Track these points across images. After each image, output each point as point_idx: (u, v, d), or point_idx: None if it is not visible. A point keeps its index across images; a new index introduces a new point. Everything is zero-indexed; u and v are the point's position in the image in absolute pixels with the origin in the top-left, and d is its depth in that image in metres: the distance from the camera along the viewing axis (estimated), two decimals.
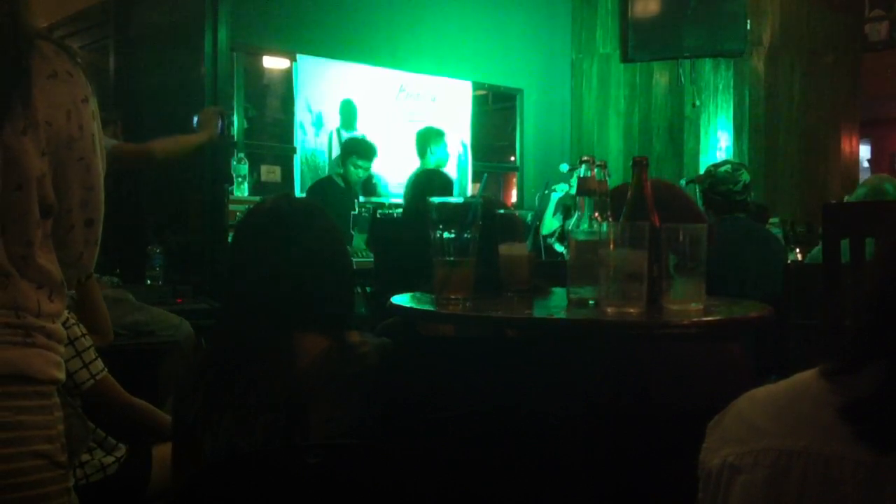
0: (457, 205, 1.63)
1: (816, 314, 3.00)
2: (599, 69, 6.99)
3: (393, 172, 5.75)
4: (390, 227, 3.88)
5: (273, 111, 5.89)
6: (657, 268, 1.49)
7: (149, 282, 3.86)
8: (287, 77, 5.63)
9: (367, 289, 4.18)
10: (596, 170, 1.62)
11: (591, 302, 1.52)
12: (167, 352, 3.13)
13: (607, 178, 1.65)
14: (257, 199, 4.75)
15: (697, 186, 3.63)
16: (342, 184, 5.14)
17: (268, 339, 1.41)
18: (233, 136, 5.03)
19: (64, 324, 1.23)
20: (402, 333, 1.69)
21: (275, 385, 1.37)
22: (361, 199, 5.22)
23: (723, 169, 3.48)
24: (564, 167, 6.07)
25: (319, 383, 1.38)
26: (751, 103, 6.51)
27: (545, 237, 5.54)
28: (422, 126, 5.70)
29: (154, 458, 2.11)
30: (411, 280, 1.82)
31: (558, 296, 1.75)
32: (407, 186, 5.05)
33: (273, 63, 5.75)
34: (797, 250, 4.97)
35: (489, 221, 1.65)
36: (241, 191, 4.99)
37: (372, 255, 4.06)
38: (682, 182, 5.60)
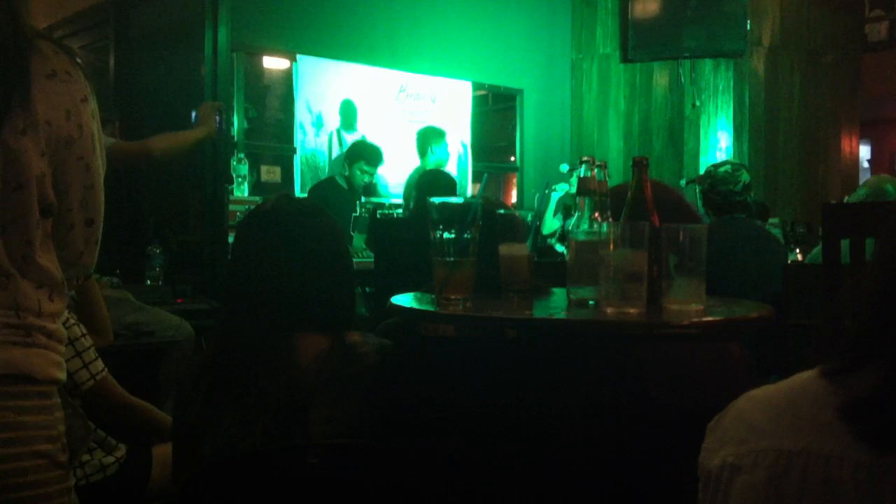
0: (457, 205, 1.63)
1: (816, 314, 3.01)
2: (599, 69, 6.99)
3: (393, 172, 5.75)
4: (391, 228, 3.88)
5: (273, 111, 5.89)
6: (657, 268, 1.49)
7: (149, 282, 3.86)
8: (287, 77, 5.63)
9: (367, 289, 4.19)
10: (596, 170, 1.62)
11: (591, 302, 1.52)
12: (167, 352, 3.13)
13: (607, 179, 1.65)
14: (257, 199, 4.75)
15: (697, 187, 3.63)
16: (344, 185, 5.14)
17: (268, 339, 1.40)
18: (233, 136, 5.03)
19: (64, 324, 1.23)
20: (403, 333, 1.69)
21: (275, 385, 1.37)
22: (362, 199, 5.22)
23: (722, 169, 3.48)
24: (564, 167, 6.07)
25: (319, 383, 1.38)
26: (751, 103, 6.51)
27: (545, 237, 5.54)
28: (422, 126, 5.71)
29: (154, 458, 2.11)
30: (414, 280, 1.82)
31: (558, 296, 1.75)
32: (410, 186, 5.07)
33: (273, 63, 5.75)
34: (797, 250, 4.97)
35: (489, 221, 1.65)
36: (241, 191, 4.99)
37: (372, 255, 4.06)
38: (682, 182, 5.61)
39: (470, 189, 6.44)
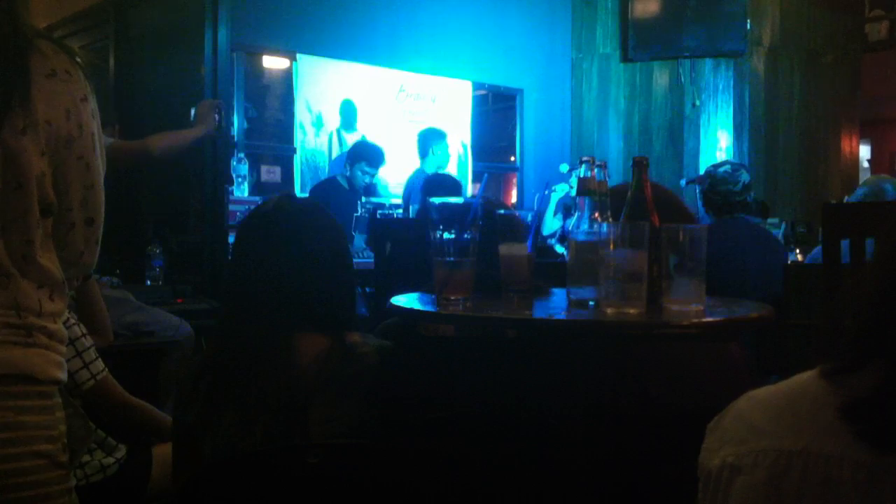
0: (457, 205, 1.63)
1: (816, 314, 3.01)
2: (599, 69, 6.99)
3: (393, 173, 5.74)
4: (392, 228, 3.89)
5: (273, 111, 5.89)
6: (657, 268, 1.49)
7: (149, 282, 3.86)
8: (287, 77, 5.63)
9: (367, 289, 4.18)
10: (596, 170, 1.62)
11: (591, 302, 1.52)
12: (167, 352, 3.13)
13: (607, 178, 1.65)
14: (257, 199, 4.75)
15: (697, 187, 3.63)
16: (346, 185, 5.13)
17: (268, 339, 1.40)
18: (233, 136, 5.03)
19: (64, 323, 1.23)
20: (402, 333, 1.69)
21: (275, 385, 1.37)
22: (363, 199, 5.22)
23: (722, 169, 3.48)
24: (564, 167, 6.07)
25: (319, 383, 1.38)
26: (751, 103, 6.51)
27: (546, 237, 5.55)
28: (422, 126, 5.71)
29: (154, 459, 2.11)
30: (415, 281, 1.82)
31: (558, 296, 1.75)
32: (413, 189, 5.07)
33: (273, 63, 5.75)
34: (797, 250, 4.97)
35: (489, 221, 1.65)
36: (241, 191, 4.99)
37: (372, 255, 4.06)
38: (682, 182, 5.61)
39: (470, 189, 6.43)
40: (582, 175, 1.62)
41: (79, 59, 1.20)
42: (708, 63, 6.47)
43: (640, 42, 6.62)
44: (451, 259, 1.56)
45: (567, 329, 1.47)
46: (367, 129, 5.77)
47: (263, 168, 5.72)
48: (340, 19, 5.61)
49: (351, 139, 5.70)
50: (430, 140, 5.52)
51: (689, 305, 1.47)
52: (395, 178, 5.75)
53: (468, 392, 1.59)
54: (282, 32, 5.37)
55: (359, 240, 4.79)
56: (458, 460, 1.29)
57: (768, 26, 6.57)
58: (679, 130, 6.60)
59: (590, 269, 1.49)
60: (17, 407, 1.12)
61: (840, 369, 0.76)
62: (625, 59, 6.80)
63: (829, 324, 0.81)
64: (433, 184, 3.88)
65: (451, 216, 1.57)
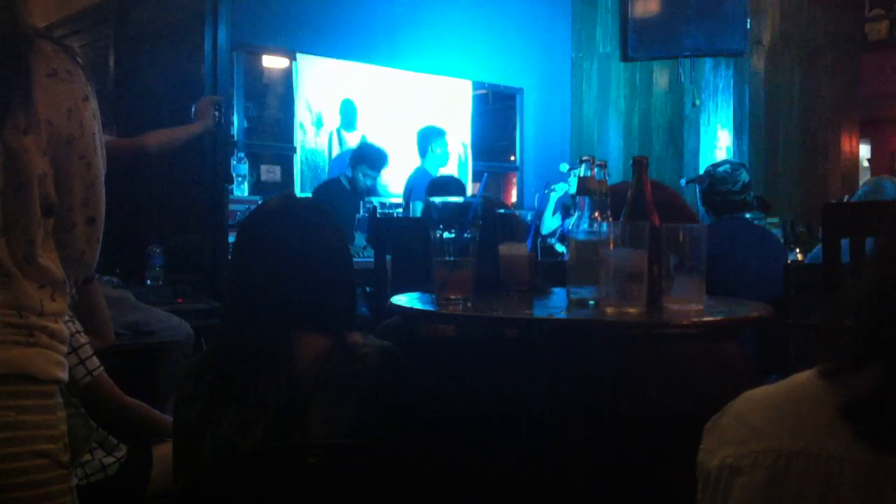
0: (457, 205, 1.63)
1: (816, 314, 3.01)
2: (599, 69, 6.99)
3: (393, 172, 5.74)
4: (393, 228, 3.88)
5: (273, 111, 5.89)
6: (657, 268, 1.49)
7: (149, 282, 3.86)
8: (287, 77, 5.63)
9: (367, 288, 4.18)
10: (596, 169, 1.62)
11: (591, 302, 1.52)
12: (167, 352, 3.13)
13: (607, 178, 1.65)
14: (257, 198, 4.75)
15: (697, 186, 3.63)
16: (348, 186, 5.13)
17: (269, 338, 1.40)
18: (233, 136, 5.02)
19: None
20: (402, 333, 1.69)
21: (275, 385, 1.37)
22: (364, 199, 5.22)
23: (722, 169, 3.48)
24: (564, 167, 6.07)
25: (319, 383, 1.38)
26: (751, 103, 6.51)
27: (545, 237, 5.54)
28: (422, 126, 5.71)
29: (154, 458, 2.11)
30: (417, 281, 1.83)
31: (558, 296, 1.75)
32: (414, 187, 5.06)
33: (273, 63, 5.75)
34: (797, 250, 4.97)
35: (489, 221, 1.65)
36: (241, 191, 4.99)
37: (372, 255, 4.06)
38: (682, 182, 5.61)
39: (470, 189, 6.44)
40: (582, 174, 1.62)
41: (79, 59, 1.20)
42: (708, 63, 6.47)
43: (640, 41, 6.61)
44: (451, 259, 1.56)
45: (567, 329, 1.47)
46: (367, 129, 5.77)
47: (263, 167, 5.72)
48: (340, 19, 5.61)
49: (351, 139, 5.70)
50: (429, 138, 5.52)
51: (689, 305, 1.47)
52: (395, 178, 5.75)
53: (468, 392, 1.59)
54: (281, 32, 5.37)
55: (359, 238, 4.79)
56: (458, 461, 1.29)
57: (768, 26, 6.57)
58: (679, 130, 6.60)
59: (590, 269, 1.49)
60: (17, 406, 1.12)
61: (840, 369, 0.76)
62: (625, 58, 6.80)
63: (829, 324, 0.81)
64: (438, 186, 3.89)
65: (451, 216, 1.57)
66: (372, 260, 3.58)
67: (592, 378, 1.57)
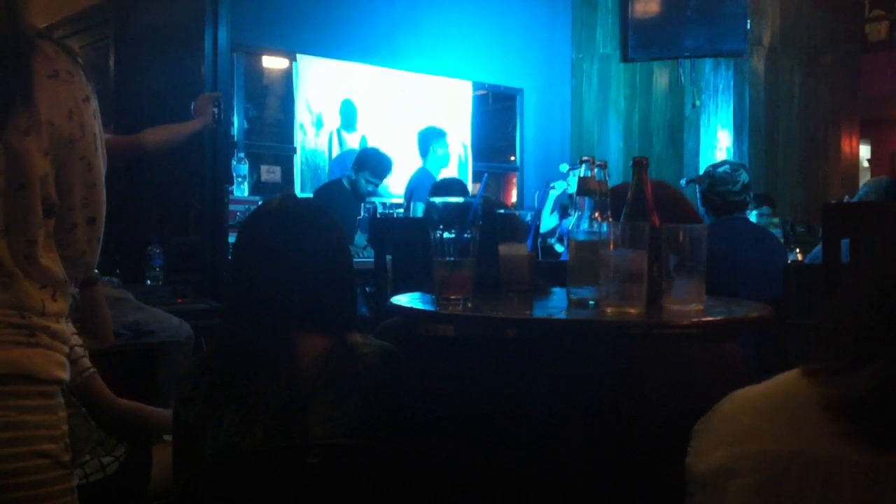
0: (457, 205, 1.63)
1: (816, 314, 3.01)
2: (599, 69, 6.99)
3: (393, 173, 5.74)
4: (394, 229, 3.89)
5: (273, 111, 5.89)
6: (657, 268, 1.49)
7: (149, 282, 3.86)
8: (287, 77, 5.63)
9: (368, 289, 4.18)
10: (596, 170, 1.62)
11: (591, 302, 1.52)
12: (167, 352, 3.13)
13: (607, 178, 1.65)
14: (257, 198, 4.75)
15: (697, 186, 3.64)
16: (350, 188, 5.13)
17: (269, 339, 1.41)
18: (233, 136, 5.02)
19: None
20: (402, 333, 1.69)
21: (275, 385, 1.37)
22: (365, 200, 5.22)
23: (721, 169, 3.48)
24: (564, 167, 6.08)
25: (320, 383, 1.38)
26: (751, 103, 6.51)
27: (543, 236, 5.55)
28: (422, 126, 5.71)
29: (154, 458, 2.11)
30: (417, 281, 1.83)
31: (558, 296, 1.75)
32: (416, 187, 5.05)
33: (273, 63, 5.75)
34: (797, 250, 4.97)
35: (489, 221, 1.65)
36: (241, 191, 4.99)
37: (371, 255, 4.06)
38: (682, 182, 5.61)
39: (470, 189, 6.43)
40: (582, 175, 1.62)
41: (80, 60, 1.21)
42: (708, 63, 6.47)
43: (640, 42, 6.61)
44: (451, 259, 1.56)
45: (567, 329, 1.47)
46: (367, 129, 5.77)
47: (263, 168, 5.72)
48: (340, 19, 5.61)
49: (351, 139, 5.70)
50: (429, 139, 5.52)
51: (689, 305, 1.47)
52: (395, 179, 5.75)
53: (468, 392, 1.59)
54: (281, 32, 5.37)
55: (360, 238, 4.79)
56: (458, 461, 1.29)
57: (768, 26, 6.57)
58: (679, 130, 6.60)
59: (590, 269, 1.49)
60: (18, 406, 1.12)
61: (839, 369, 0.76)
62: (625, 59, 6.80)
63: (829, 324, 0.81)
64: (441, 189, 3.89)
65: (451, 216, 1.57)
66: (372, 260, 3.59)
67: (592, 378, 1.57)
